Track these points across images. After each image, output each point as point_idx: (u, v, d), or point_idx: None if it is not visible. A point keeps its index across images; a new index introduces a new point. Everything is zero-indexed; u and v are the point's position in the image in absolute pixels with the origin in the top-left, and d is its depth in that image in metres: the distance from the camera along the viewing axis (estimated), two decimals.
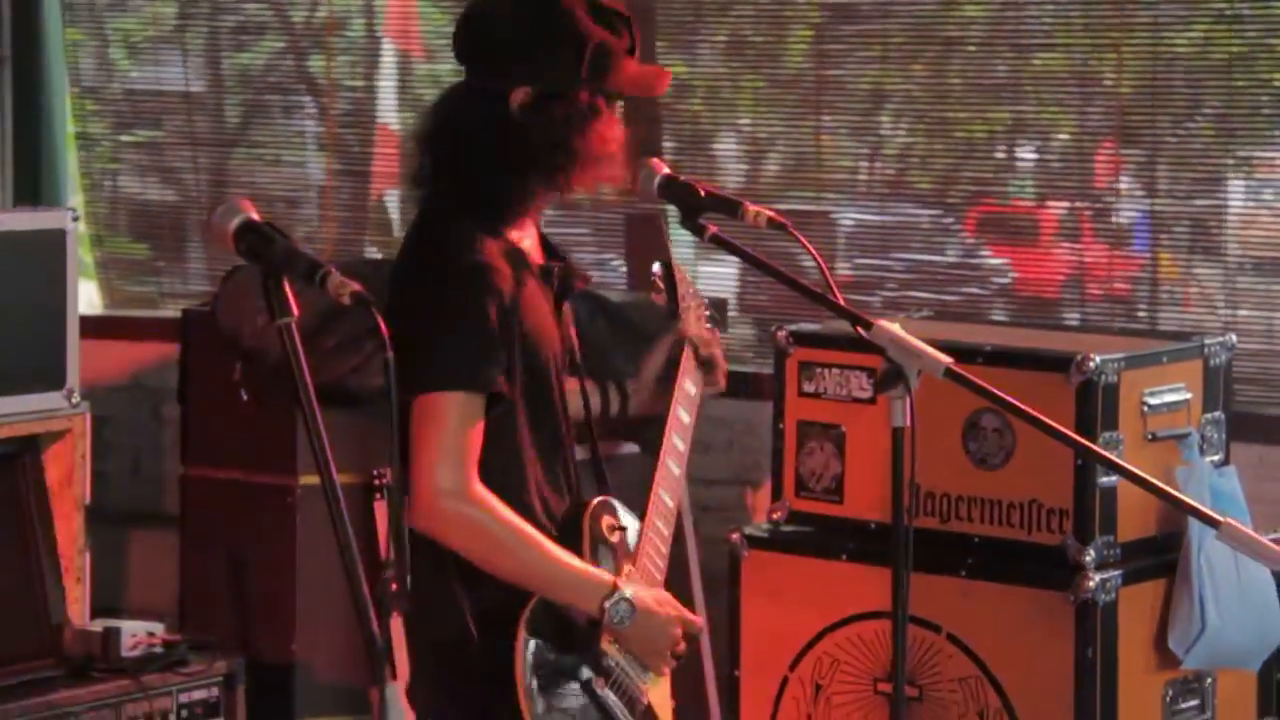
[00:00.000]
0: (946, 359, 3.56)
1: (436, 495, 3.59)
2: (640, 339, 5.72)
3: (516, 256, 3.66)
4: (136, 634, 5.04)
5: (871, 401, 4.84)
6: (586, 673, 3.68)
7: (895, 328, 3.61)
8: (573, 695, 3.66)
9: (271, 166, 7.05)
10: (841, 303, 3.70)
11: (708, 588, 5.62)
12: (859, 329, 3.61)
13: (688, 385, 3.90)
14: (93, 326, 5.68)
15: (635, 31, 3.75)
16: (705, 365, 3.93)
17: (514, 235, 3.69)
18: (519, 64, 3.67)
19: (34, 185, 6.25)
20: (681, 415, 3.87)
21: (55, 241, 5.18)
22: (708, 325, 3.95)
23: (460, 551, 3.62)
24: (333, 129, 7.01)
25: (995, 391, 3.58)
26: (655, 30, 6.38)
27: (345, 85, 7.00)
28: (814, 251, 3.80)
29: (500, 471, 3.64)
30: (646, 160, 3.88)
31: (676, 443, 3.86)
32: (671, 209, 3.85)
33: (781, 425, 5.02)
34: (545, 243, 3.83)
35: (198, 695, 4.99)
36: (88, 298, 6.53)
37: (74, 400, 5.18)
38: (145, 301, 6.94)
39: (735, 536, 5.05)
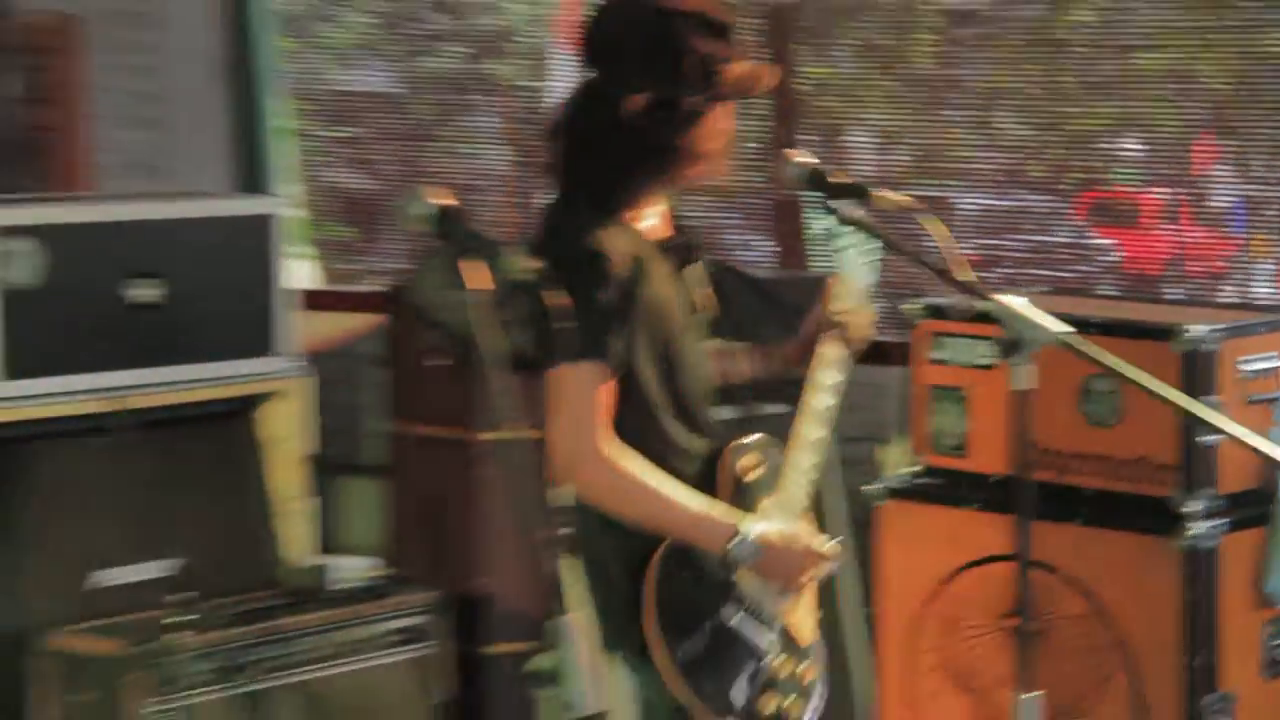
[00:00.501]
0: (1065, 328, 3.50)
1: (566, 459, 3.59)
2: (789, 310, 5.69)
3: (634, 238, 3.64)
4: (349, 569, 5.07)
5: (992, 367, 4.78)
6: (718, 604, 3.65)
7: (1018, 301, 3.56)
8: (707, 627, 3.64)
9: (458, 159, 7.06)
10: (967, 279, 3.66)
11: (854, 535, 5.60)
12: (985, 302, 3.56)
13: (830, 348, 3.85)
14: (312, 300, 5.72)
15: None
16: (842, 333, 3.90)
17: (632, 219, 3.68)
18: (633, 73, 3.66)
19: (250, 175, 6.28)
20: (823, 374, 3.84)
21: (269, 224, 5.22)
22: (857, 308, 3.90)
23: (595, 505, 3.60)
24: (511, 125, 7.02)
25: (1110, 358, 3.51)
26: (795, 35, 6.35)
27: (520, 85, 6.99)
28: (939, 231, 3.75)
29: (636, 429, 3.62)
30: (788, 152, 3.86)
31: (821, 395, 3.82)
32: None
33: (913, 389, 4.99)
34: (676, 220, 3.82)
35: (402, 623, 5.00)
36: (308, 275, 6.57)
37: (292, 364, 5.20)
38: (355, 278, 6.98)
39: (873, 488, 5.02)
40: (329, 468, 5.58)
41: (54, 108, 5.91)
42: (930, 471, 4.96)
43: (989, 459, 4.82)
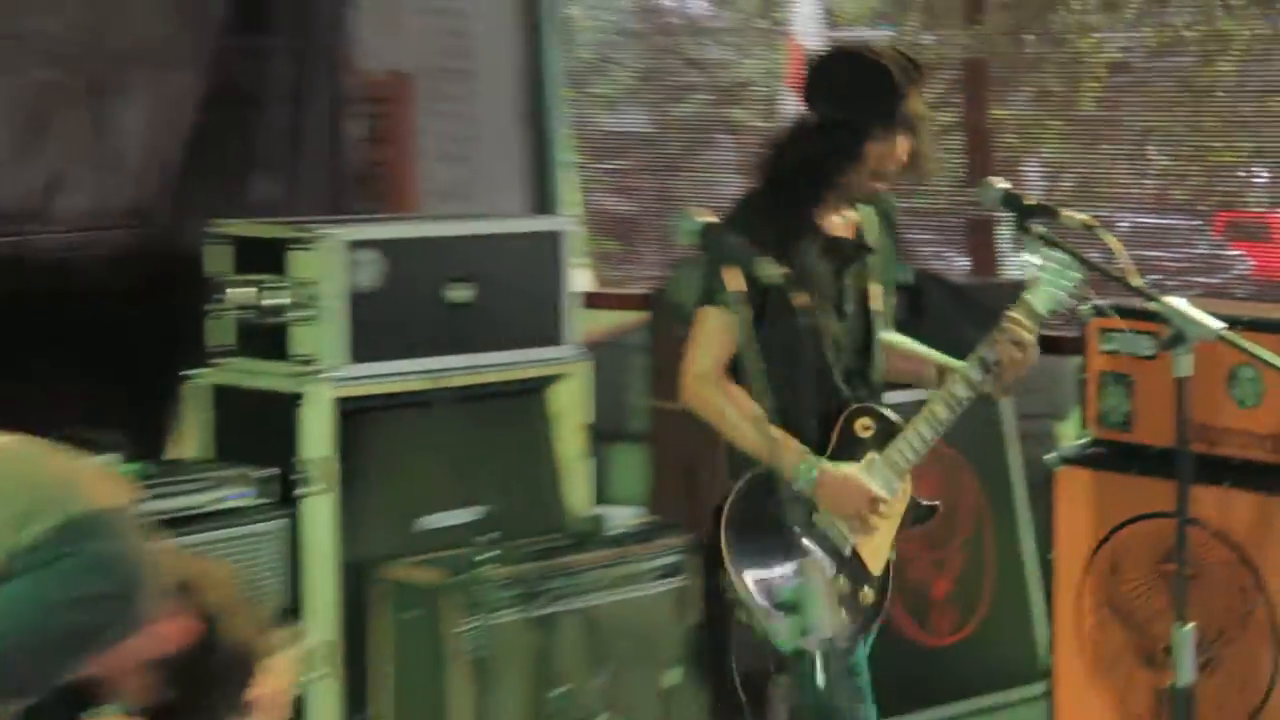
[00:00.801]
0: (1221, 325, 3.48)
1: (688, 379, 3.72)
2: (982, 313, 5.66)
3: (811, 233, 3.69)
4: (620, 517, 5.10)
5: (1153, 358, 4.72)
6: (790, 521, 3.64)
7: (1181, 303, 3.54)
8: (779, 542, 3.64)
9: (702, 188, 7.07)
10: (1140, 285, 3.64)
11: (1031, 495, 5.57)
12: (1153, 303, 3.54)
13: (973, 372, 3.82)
14: (589, 300, 5.75)
15: (922, 74, 3.79)
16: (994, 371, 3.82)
17: (818, 216, 3.75)
18: (838, 105, 3.75)
19: (541, 200, 6.33)
20: (958, 387, 3.81)
21: (558, 239, 5.23)
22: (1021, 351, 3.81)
23: (703, 420, 3.68)
24: (746, 160, 7.02)
25: (1258, 349, 3.49)
26: (988, 81, 6.31)
27: (755, 127, 6.99)
28: (1116, 245, 3.75)
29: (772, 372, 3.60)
30: (990, 179, 3.84)
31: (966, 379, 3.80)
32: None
33: (1086, 375, 4.93)
34: (859, 230, 3.85)
35: (662, 561, 4.99)
36: (586, 280, 6.62)
37: (575, 351, 5.24)
38: (621, 282, 7.00)
39: (1051, 456, 4.98)
40: (602, 436, 5.60)
41: (389, 147, 5.94)
42: (1099, 443, 4.89)
43: (1148, 433, 4.76)
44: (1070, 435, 5.19)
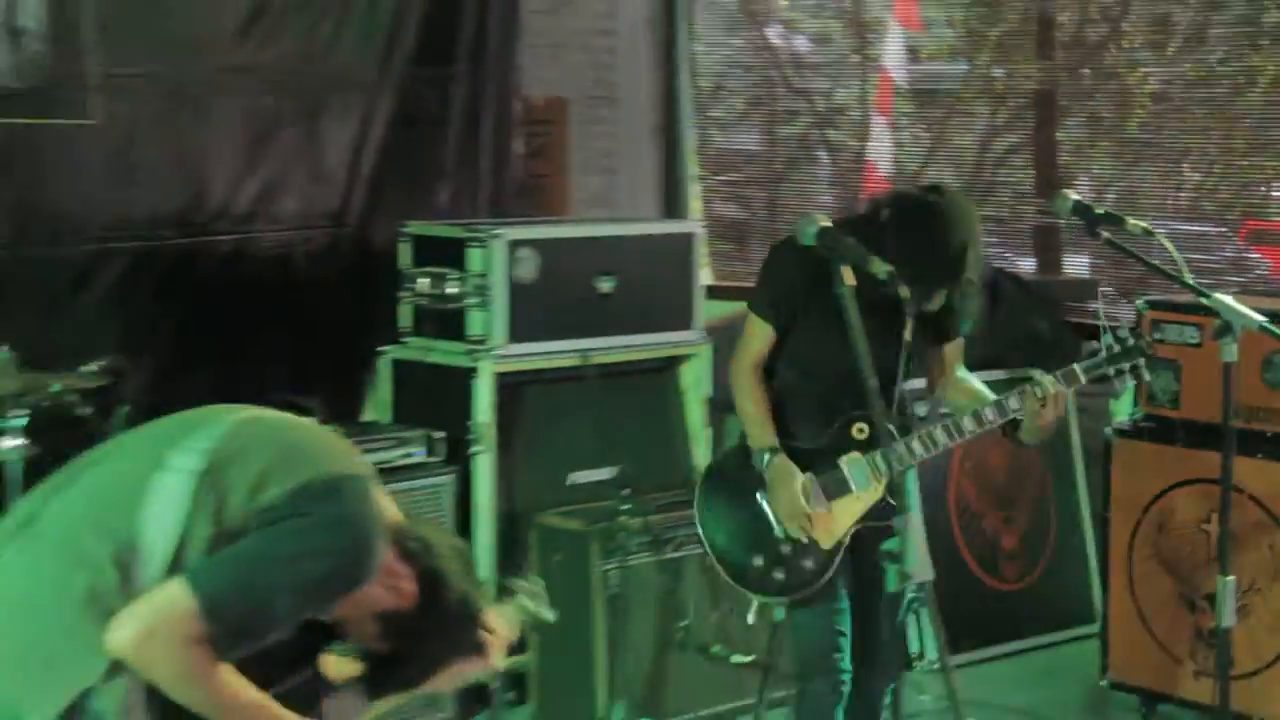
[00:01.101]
0: (1261, 318, 3.42)
1: (733, 366, 3.70)
2: (1050, 305, 5.53)
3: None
4: None
5: (1199, 346, 4.60)
6: (752, 486, 3.64)
7: (1228, 298, 3.47)
8: (739, 498, 3.66)
9: (803, 199, 7.01)
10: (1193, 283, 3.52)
11: (1086, 462, 5.45)
12: (1204, 298, 3.44)
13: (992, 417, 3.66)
14: (710, 292, 5.72)
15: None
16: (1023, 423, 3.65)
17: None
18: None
19: (672, 206, 6.27)
20: (969, 421, 3.65)
21: (688, 240, 5.17)
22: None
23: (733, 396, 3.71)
24: (842, 173, 6.95)
25: None
26: (1052, 109, 6.19)
27: (848, 146, 6.91)
28: (1171, 248, 3.62)
29: (789, 374, 3.64)
30: (1063, 191, 3.73)
31: (977, 415, 3.65)
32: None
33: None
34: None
35: None
36: (707, 275, 6.58)
37: (700, 335, 5.19)
38: (736, 277, 6.96)
39: (1107, 429, 4.89)
40: (719, 407, 5.56)
41: (546, 161, 5.95)
42: (1150, 418, 4.80)
43: (1194, 410, 4.67)
44: (1123, 411, 5.05)
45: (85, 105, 4.60)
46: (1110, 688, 4.79)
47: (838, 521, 3.65)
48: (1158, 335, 4.74)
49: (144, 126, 4.73)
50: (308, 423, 2.66)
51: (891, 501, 3.59)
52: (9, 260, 4.49)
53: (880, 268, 3.29)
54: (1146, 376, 3.65)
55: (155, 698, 2.42)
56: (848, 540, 3.66)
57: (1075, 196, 3.70)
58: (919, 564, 3.17)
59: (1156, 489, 4.70)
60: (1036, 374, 3.64)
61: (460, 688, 3.53)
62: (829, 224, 3.41)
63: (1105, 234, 3.65)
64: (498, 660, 2.69)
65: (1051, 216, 5.77)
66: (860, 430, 3.62)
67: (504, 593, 2.80)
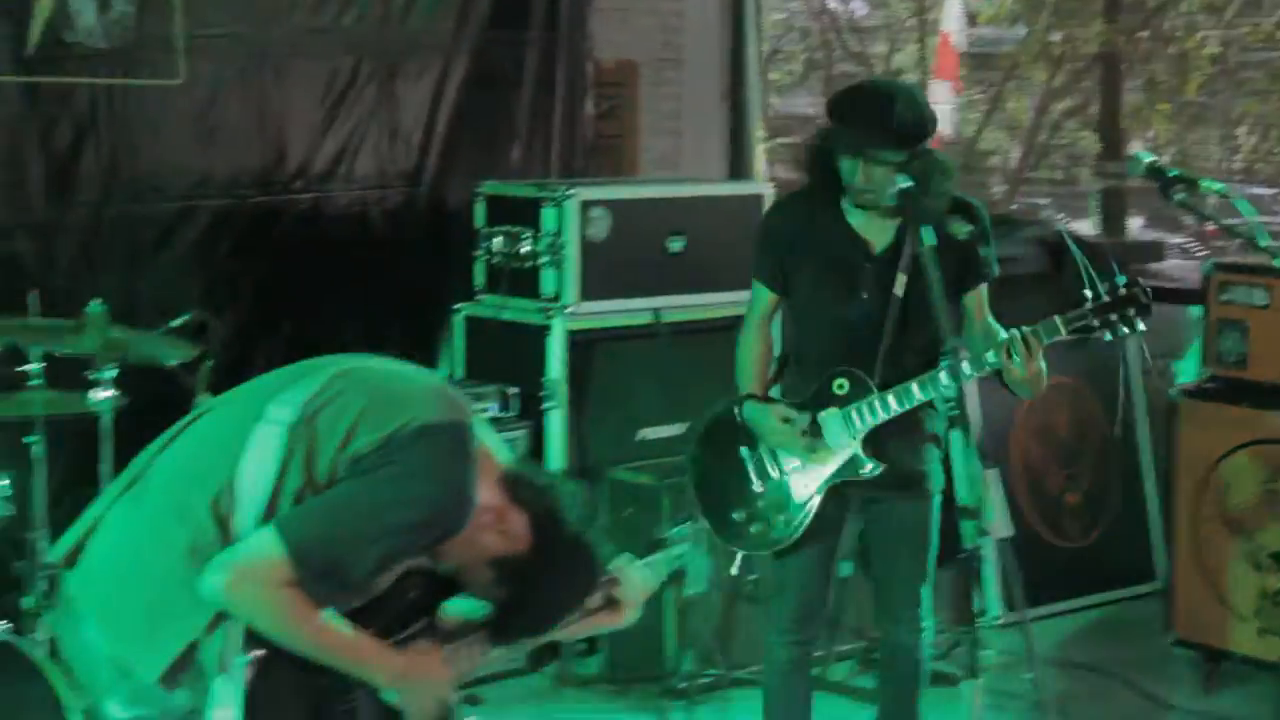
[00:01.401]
0: None
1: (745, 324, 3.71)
2: (1108, 260, 5.45)
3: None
4: None
5: (1266, 307, 4.54)
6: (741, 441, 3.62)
7: None
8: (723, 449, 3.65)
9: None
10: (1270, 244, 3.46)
11: (1151, 422, 5.39)
12: (1277, 260, 3.37)
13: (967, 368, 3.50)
14: None
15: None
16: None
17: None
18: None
19: (738, 168, 6.23)
20: (947, 378, 3.45)
21: (754, 200, 5.11)
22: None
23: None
24: None
25: None
26: (1119, 75, 6.10)
27: None
28: (1249, 210, 3.55)
29: (793, 333, 3.69)
30: (1137, 153, 3.67)
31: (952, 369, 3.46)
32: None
33: (1207, 321, 4.78)
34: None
35: None
36: None
37: None
38: None
39: (1173, 389, 4.85)
40: (784, 363, 5.53)
41: (617, 122, 5.91)
42: (1215, 379, 4.77)
43: (1260, 371, 4.64)
44: (1186, 372, 4.99)
45: (170, 66, 4.61)
46: (1174, 645, 4.76)
47: (811, 476, 3.60)
48: (1225, 297, 4.68)
49: (227, 87, 4.76)
50: (411, 370, 2.64)
51: (865, 459, 3.52)
52: (97, 218, 4.53)
53: (960, 228, 3.25)
54: (1140, 327, 3.33)
55: (254, 647, 2.42)
56: (821, 495, 3.59)
57: (1150, 157, 3.63)
58: (998, 520, 3.15)
59: (1222, 449, 4.66)
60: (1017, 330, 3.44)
61: None
62: (909, 185, 3.37)
63: (1179, 195, 3.58)
64: (631, 613, 2.65)
65: (1114, 179, 5.70)
66: (840, 386, 3.57)
67: (654, 545, 2.76)
